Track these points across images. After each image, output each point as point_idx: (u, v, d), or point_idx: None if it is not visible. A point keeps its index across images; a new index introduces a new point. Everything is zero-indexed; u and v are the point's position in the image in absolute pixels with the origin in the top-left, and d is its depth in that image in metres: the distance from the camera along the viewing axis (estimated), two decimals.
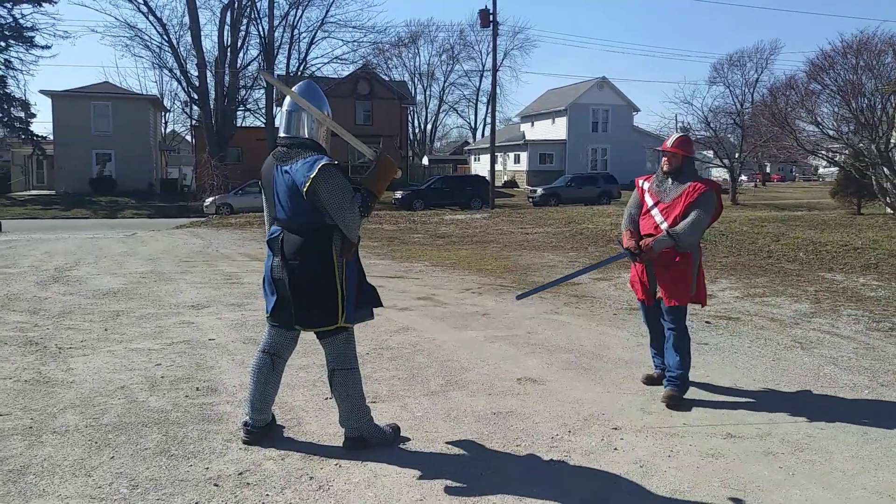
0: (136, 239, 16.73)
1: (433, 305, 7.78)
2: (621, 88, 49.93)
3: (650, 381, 4.75)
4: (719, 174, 38.41)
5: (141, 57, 51.32)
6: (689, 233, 4.37)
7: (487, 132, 40.96)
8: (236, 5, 38.37)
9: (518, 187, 46.01)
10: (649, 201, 4.65)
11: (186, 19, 38.46)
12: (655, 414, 4.21)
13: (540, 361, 5.37)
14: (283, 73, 39.42)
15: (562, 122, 48.51)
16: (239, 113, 43.43)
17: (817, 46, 43.90)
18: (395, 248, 14.30)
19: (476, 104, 73.40)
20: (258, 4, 39.51)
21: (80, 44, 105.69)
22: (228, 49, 39.08)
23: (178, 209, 31.93)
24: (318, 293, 3.44)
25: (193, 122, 47.32)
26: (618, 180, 35.58)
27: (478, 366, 5.23)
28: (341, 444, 3.62)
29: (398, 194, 30.73)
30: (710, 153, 31.86)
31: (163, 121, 51.75)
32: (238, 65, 39.81)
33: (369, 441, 3.61)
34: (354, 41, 41.64)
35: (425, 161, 60.97)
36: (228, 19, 38.64)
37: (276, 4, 38.66)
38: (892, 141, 15.75)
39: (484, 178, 34.11)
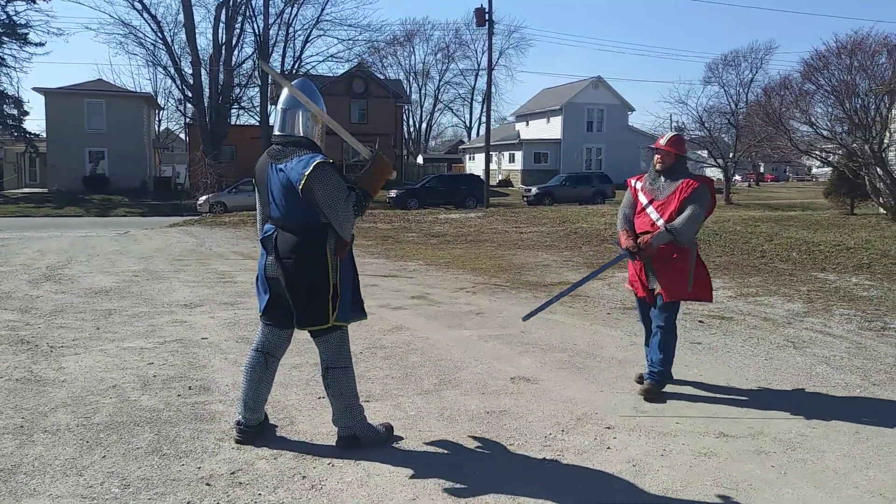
0: (129, 237, 16.67)
1: (427, 304, 7.78)
2: (616, 88, 49.94)
3: (643, 380, 4.75)
4: (713, 174, 38.52)
5: (135, 54, 51.27)
6: (687, 227, 4.41)
7: (482, 131, 41.03)
8: (231, 3, 38.24)
9: (513, 186, 46.04)
10: (643, 200, 4.68)
11: (181, 16, 38.30)
12: (648, 413, 4.22)
13: (533, 360, 5.38)
14: (278, 71, 39.31)
15: (557, 122, 48.55)
16: (233, 111, 43.29)
17: (812, 47, 44.10)
18: (390, 247, 14.29)
19: (471, 103, 73.39)
20: (253, 2, 39.40)
21: (74, 41, 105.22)
22: (223, 47, 38.96)
23: (172, 207, 31.83)
24: (312, 292, 3.43)
25: (187, 119, 47.15)
26: (612, 180, 35.63)
27: (471, 365, 5.23)
28: (334, 444, 3.61)
29: (393, 193, 30.70)
30: (705, 153, 31.96)
31: (156, 118, 51.58)
32: (233, 62, 39.68)
33: (362, 440, 3.60)
34: (349, 39, 41.60)
35: (420, 160, 60.94)
36: (223, 17, 38.52)
37: (271, 2, 38.57)
38: (885, 141, 15.80)
39: (478, 177, 34.11)
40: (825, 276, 9.53)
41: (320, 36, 47.55)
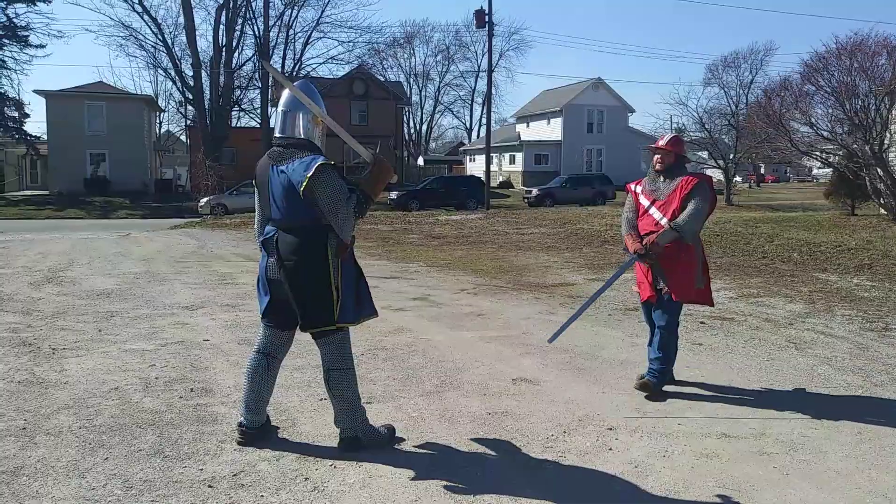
0: (131, 239, 16.68)
1: (428, 306, 7.78)
2: (616, 89, 49.98)
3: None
4: (714, 175, 38.55)
5: (135, 57, 51.36)
6: (692, 223, 4.44)
7: (483, 133, 41.04)
8: (231, 5, 38.34)
9: (513, 188, 46.04)
10: (645, 202, 4.71)
11: (181, 19, 38.47)
12: (650, 414, 4.22)
13: (535, 362, 5.38)
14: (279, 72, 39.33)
15: (557, 123, 48.57)
16: (234, 113, 43.42)
17: (811, 48, 44.10)
18: (391, 249, 14.29)
19: (471, 105, 73.50)
20: (253, 4, 39.52)
21: (75, 43, 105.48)
22: (223, 49, 39.04)
23: (173, 209, 31.85)
24: (313, 293, 3.43)
25: (188, 122, 47.24)
26: (613, 181, 35.64)
27: (473, 366, 5.23)
28: (336, 445, 3.61)
29: (393, 195, 30.71)
30: (705, 154, 31.96)
31: (157, 121, 51.59)
32: (233, 65, 39.77)
33: (364, 442, 3.60)
34: (350, 41, 41.66)
35: (420, 161, 60.95)
36: (223, 19, 38.62)
37: (271, 4, 38.63)
38: (885, 142, 15.80)
39: (479, 178, 34.11)
40: (826, 277, 9.52)
41: (320, 38, 47.66)
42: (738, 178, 41.38)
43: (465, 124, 76.02)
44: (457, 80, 72.29)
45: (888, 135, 15.82)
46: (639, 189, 4.83)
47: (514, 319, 7.01)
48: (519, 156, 49.32)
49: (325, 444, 3.67)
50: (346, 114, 42.96)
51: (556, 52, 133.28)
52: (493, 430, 3.92)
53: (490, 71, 33.11)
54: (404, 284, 9.39)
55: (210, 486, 3.18)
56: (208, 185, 32.64)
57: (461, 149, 65.08)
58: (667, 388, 4.66)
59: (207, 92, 39.43)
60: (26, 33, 37.29)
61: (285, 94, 3.60)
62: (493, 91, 37.91)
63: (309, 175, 3.31)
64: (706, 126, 31.19)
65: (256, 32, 39.64)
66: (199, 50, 39.05)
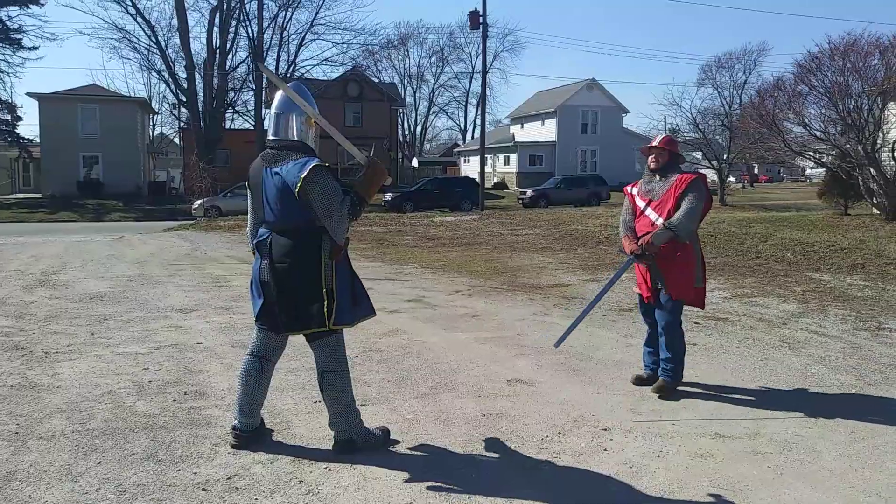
0: (124, 242, 16.63)
1: (423, 307, 7.77)
2: (610, 90, 50.21)
3: (640, 381, 4.77)
4: (708, 175, 38.68)
5: (129, 59, 51.26)
6: (686, 221, 4.45)
7: (477, 134, 41.11)
8: (225, 7, 38.26)
9: (508, 189, 46.07)
10: (641, 203, 4.73)
11: (175, 21, 38.34)
12: (645, 415, 4.22)
13: (530, 363, 5.38)
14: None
15: (551, 124, 48.63)
16: (228, 115, 43.31)
17: (804, 48, 44.31)
18: (385, 251, 14.28)
19: (466, 106, 73.57)
20: (247, 6, 39.43)
21: (68, 46, 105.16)
22: (217, 51, 38.95)
23: (166, 212, 31.78)
24: (307, 295, 3.43)
25: (182, 124, 47.11)
26: (607, 182, 35.71)
27: (468, 368, 5.22)
28: (331, 448, 3.61)
29: (388, 196, 30.69)
30: (699, 154, 32.03)
31: (151, 123, 51.51)
32: (227, 67, 39.69)
33: (359, 444, 3.59)
34: (344, 43, 41.65)
35: (415, 163, 60.95)
36: (217, 21, 38.52)
37: (264, 6, 38.59)
38: (878, 142, 15.86)
39: (474, 179, 34.14)
40: (820, 277, 9.55)
41: (314, 40, 47.49)
42: (731, 179, 41.50)
43: (459, 125, 76.14)
44: (451, 81, 72.46)
45: (881, 135, 15.89)
46: (635, 191, 4.85)
47: (509, 321, 7.01)
48: (513, 157, 49.35)
49: (319, 447, 3.66)
50: (341, 115, 42.93)
51: (551, 53, 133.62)
52: (488, 432, 3.91)
53: (484, 72, 33.13)
54: (399, 286, 9.38)
55: (204, 490, 3.17)
56: (202, 187, 32.54)
57: (456, 150, 65.13)
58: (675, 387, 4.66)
59: (201, 94, 39.35)
60: (19, 36, 37.22)
61: (278, 96, 3.59)
62: (488, 92, 37.88)
63: (303, 176, 3.31)
64: (700, 126, 31.27)
65: (250, 34, 39.60)
66: (193, 52, 38.98)
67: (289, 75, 38.49)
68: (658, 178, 4.70)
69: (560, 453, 3.63)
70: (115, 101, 40.86)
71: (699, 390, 4.70)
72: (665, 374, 4.60)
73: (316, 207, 3.35)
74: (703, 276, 4.71)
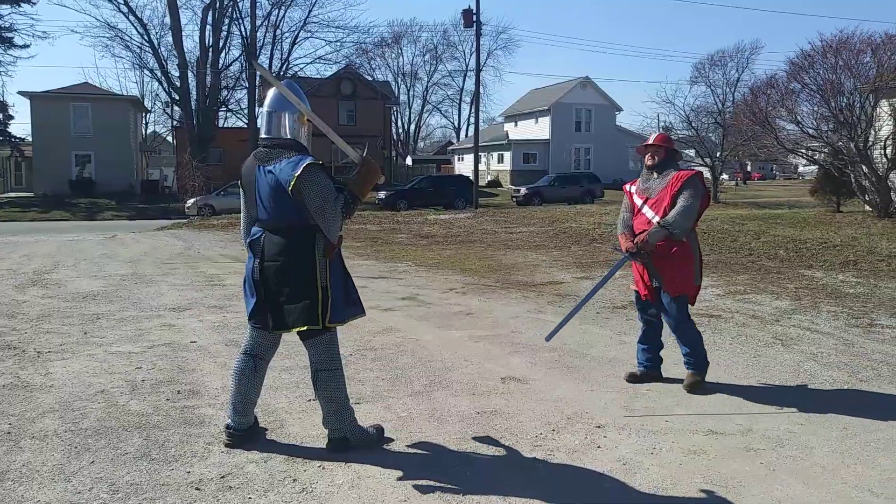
0: (117, 241, 16.57)
1: (417, 305, 7.77)
2: (604, 88, 50.12)
3: (633, 378, 4.78)
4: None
5: (121, 57, 50.70)
6: (681, 219, 4.45)
7: (471, 132, 41.07)
8: (218, 5, 38.15)
9: (502, 187, 46.10)
10: (638, 201, 4.75)
11: (167, 19, 38.24)
12: (638, 412, 4.23)
13: (524, 360, 5.38)
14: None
15: (545, 122, 48.65)
16: (221, 113, 43.25)
17: (797, 46, 44.45)
18: (379, 249, 14.27)
19: (459, 104, 73.50)
20: (240, 4, 39.34)
21: (60, 44, 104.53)
22: (210, 49, 38.85)
23: (160, 211, 31.68)
24: (301, 293, 3.42)
25: (175, 122, 46.95)
26: (601, 180, 35.78)
27: (462, 365, 5.23)
28: (324, 446, 3.60)
29: (382, 194, 30.67)
30: (692, 152, 32.13)
31: (143, 122, 51.30)
32: (220, 65, 39.59)
33: (353, 442, 3.59)
34: (337, 41, 41.58)
35: (409, 161, 60.90)
36: (210, 19, 38.43)
37: (258, 4, 38.45)
38: (870, 139, 15.93)
39: (467, 177, 34.14)
40: (812, 274, 9.59)
41: (308, 38, 47.41)
42: (724, 176, 41.63)
43: (453, 123, 76.08)
44: (445, 79, 72.37)
45: (873, 132, 15.95)
46: (633, 189, 4.86)
47: (503, 318, 7.01)
48: (507, 155, 49.36)
49: (313, 446, 3.66)
50: (334, 114, 42.87)
51: (544, 51, 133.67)
52: (482, 430, 3.92)
53: (478, 70, 33.14)
54: (393, 284, 9.37)
55: (197, 489, 3.16)
56: (195, 185, 32.47)
57: (449, 148, 65.08)
58: (653, 385, 4.70)
59: (194, 92, 39.21)
60: (10, 34, 37.01)
61: (270, 94, 3.58)
62: (481, 90, 37.95)
63: (297, 174, 3.30)
64: (693, 124, 31.38)
65: (243, 32, 39.49)
66: (186, 50, 38.87)
67: (282, 73, 38.42)
68: (656, 175, 4.71)
69: (554, 451, 3.63)
70: (107, 99, 40.68)
71: None
72: (689, 368, 4.65)
73: (309, 205, 3.34)
74: (700, 274, 4.73)
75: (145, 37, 38.36)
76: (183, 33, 38.22)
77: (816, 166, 19.91)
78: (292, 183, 3.31)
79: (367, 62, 53.79)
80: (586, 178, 35.94)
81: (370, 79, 50.31)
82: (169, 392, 4.55)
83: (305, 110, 3.51)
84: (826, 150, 17.71)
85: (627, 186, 4.97)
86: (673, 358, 5.20)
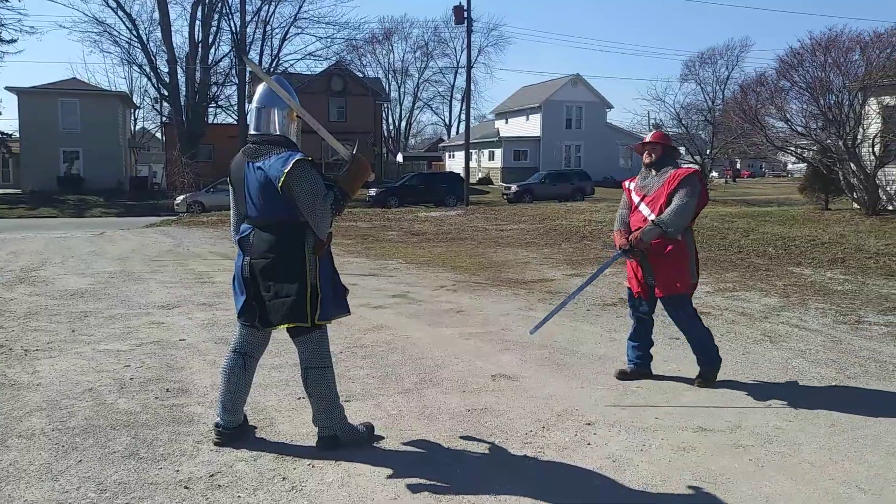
0: (105, 238, 16.47)
1: (407, 303, 7.76)
2: (595, 85, 50.29)
3: (623, 376, 4.79)
4: None
5: (110, 53, 50.80)
6: (675, 218, 4.46)
7: (462, 129, 41.02)
8: (207, 0, 37.91)
9: (493, 184, 46.10)
10: (636, 199, 4.77)
11: (156, 14, 38.03)
12: (628, 409, 4.24)
13: (514, 358, 5.38)
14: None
15: (536, 119, 48.69)
16: (210, 110, 43.03)
17: (787, 44, 44.68)
18: (370, 246, 14.25)
19: (450, 101, 73.50)
20: (229, 0, 39.11)
21: (47, 39, 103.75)
22: (199, 45, 38.65)
23: (149, 208, 31.51)
24: (290, 290, 3.40)
25: (164, 119, 46.71)
26: (591, 177, 35.85)
27: (452, 363, 5.22)
28: (314, 444, 3.59)
29: (372, 192, 30.63)
30: (682, 149, 32.25)
31: (132, 118, 51.00)
32: (209, 61, 39.38)
33: (343, 440, 3.58)
34: (328, 37, 41.67)
35: (400, 158, 60.83)
36: (199, 15, 38.24)
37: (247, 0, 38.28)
38: (858, 137, 16.03)
39: (458, 174, 34.13)
40: (801, 271, 9.65)
41: (298, 34, 47.35)
42: (714, 174, 41.86)
43: (444, 120, 76.07)
44: (436, 76, 72.35)
45: (861, 130, 16.05)
46: (632, 186, 4.87)
47: (494, 316, 7.02)
48: (498, 152, 49.38)
49: (303, 444, 3.64)
50: (325, 110, 42.75)
51: (535, 48, 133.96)
52: (472, 427, 3.92)
53: (469, 67, 33.17)
54: (383, 281, 9.36)
55: (186, 488, 3.14)
56: (184, 182, 32.29)
57: (440, 145, 65.04)
58: (643, 382, 4.71)
59: (183, 88, 39.02)
60: None
61: (259, 90, 3.56)
62: (472, 87, 38.00)
63: (286, 171, 3.29)
64: (683, 122, 31.52)
65: (233, 28, 39.33)
66: (175, 46, 38.70)
67: (272, 70, 38.28)
68: (654, 172, 4.71)
69: (544, 448, 3.64)
70: (95, 95, 40.37)
71: (682, 384, 4.73)
72: (700, 365, 4.70)
73: (299, 202, 3.33)
74: (697, 272, 4.74)
75: (134, 32, 38.18)
76: (172, 29, 38.11)
77: (805, 164, 20.03)
78: (282, 179, 3.29)
79: (358, 58, 53.89)
80: (577, 175, 36.02)
81: (361, 75, 50.29)
82: (157, 390, 4.52)
83: (295, 106, 3.50)
84: (815, 147, 17.81)
85: (626, 183, 4.97)
86: (662, 354, 5.23)
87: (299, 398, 4.24)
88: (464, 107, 37.59)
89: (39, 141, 36.62)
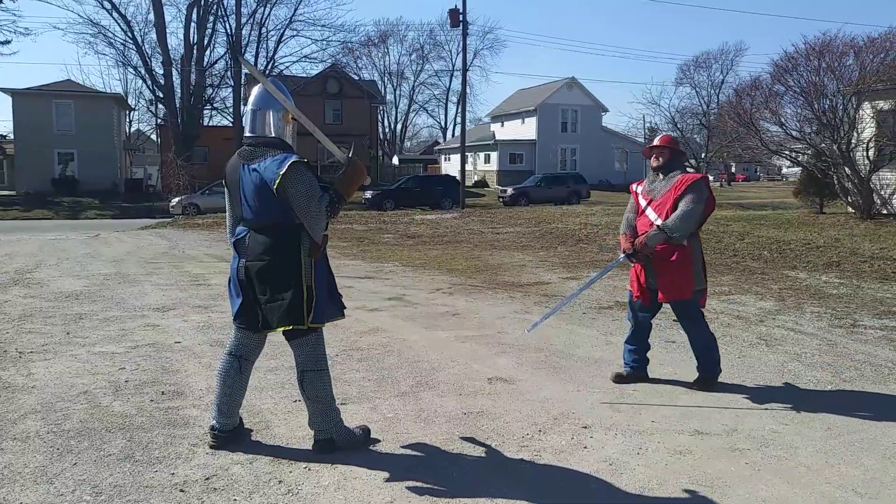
0: (100, 240, 16.42)
1: (403, 306, 7.76)
2: (590, 89, 50.34)
3: (619, 379, 4.79)
4: None
5: (104, 54, 50.75)
6: (680, 224, 4.45)
7: (457, 132, 41.09)
8: (203, 2, 37.92)
9: (488, 187, 46.15)
10: (643, 203, 4.76)
11: (151, 16, 37.98)
12: (624, 412, 4.24)
13: (510, 361, 5.38)
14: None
15: (531, 122, 48.77)
16: (205, 112, 42.96)
17: (781, 48, 44.89)
18: (366, 249, 14.24)
19: (446, 104, 73.56)
20: (225, 1, 39.16)
21: (42, 41, 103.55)
22: (195, 47, 38.60)
23: (144, 210, 31.41)
24: (286, 293, 3.39)
25: (159, 120, 46.64)
26: (587, 180, 35.90)
27: (448, 366, 5.22)
28: (310, 447, 3.58)
29: (368, 194, 30.60)
30: None
31: (127, 120, 50.85)
32: (204, 63, 39.33)
33: (339, 443, 3.57)
34: (323, 40, 41.73)
35: (395, 161, 60.87)
36: (195, 16, 38.18)
37: (243, 2, 38.35)
38: (853, 141, 16.10)
39: (454, 177, 34.16)
40: (796, 275, 9.67)
41: (294, 36, 47.60)
42: (709, 177, 42.08)
43: (439, 123, 76.08)
44: (431, 79, 72.43)
45: (855, 134, 16.12)
46: (639, 189, 4.87)
47: (490, 319, 7.01)
48: (494, 155, 49.43)
49: (299, 447, 3.63)
50: (321, 113, 42.76)
51: (531, 51, 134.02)
52: (468, 430, 3.91)
53: (465, 70, 33.17)
54: (379, 284, 9.35)
55: (182, 491, 3.13)
56: (180, 184, 32.25)
57: (436, 148, 65.09)
58: (640, 386, 4.71)
59: (178, 90, 38.98)
60: None
61: (255, 91, 3.56)
62: (468, 90, 38.05)
63: (282, 172, 3.28)
64: (678, 125, 31.62)
65: (228, 30, 39.31)
66: (170, 48, 38.63)
67: (268, 72, 38.25)
68: (661, 177, 4.71)
69: (540, 451, 3.64)
70: (90, 96, 40.25)
71: (678, 387, 4.73)
72: (698, 370, 4.71)
73: (294, 204, 3.32)
74: (704, 278, 4.73)
75: (129, 34, 38.11)
76: (167, 30, 38.04)
77: (800, 168, 20.10)
78: (277, 181, 3.29)
79: (354, 61, 53.85)
80: (572, 178, 36.05)
81: (356, 78, 50.26)
82: (153, 393, 4.51)
83: (290, 108, 3.49)
84: (809, 151, 17.88)
85: (634, 186, 4.96)
86: (658, 358, 5.23)
87: (295, 401, 4.23)
88: (459, 110, 37.66)
89: (34, 142, 36.50)
